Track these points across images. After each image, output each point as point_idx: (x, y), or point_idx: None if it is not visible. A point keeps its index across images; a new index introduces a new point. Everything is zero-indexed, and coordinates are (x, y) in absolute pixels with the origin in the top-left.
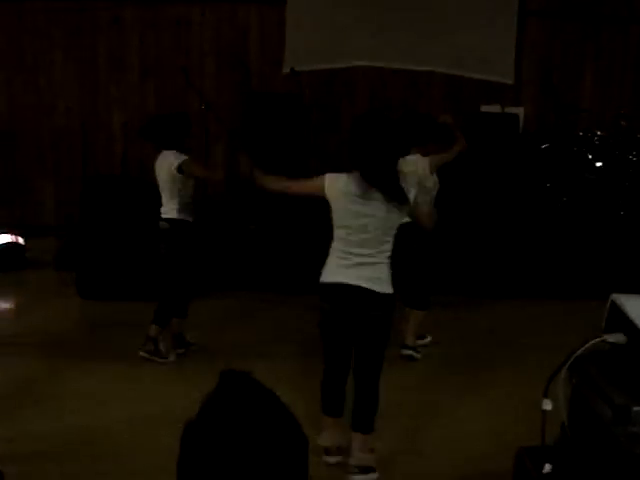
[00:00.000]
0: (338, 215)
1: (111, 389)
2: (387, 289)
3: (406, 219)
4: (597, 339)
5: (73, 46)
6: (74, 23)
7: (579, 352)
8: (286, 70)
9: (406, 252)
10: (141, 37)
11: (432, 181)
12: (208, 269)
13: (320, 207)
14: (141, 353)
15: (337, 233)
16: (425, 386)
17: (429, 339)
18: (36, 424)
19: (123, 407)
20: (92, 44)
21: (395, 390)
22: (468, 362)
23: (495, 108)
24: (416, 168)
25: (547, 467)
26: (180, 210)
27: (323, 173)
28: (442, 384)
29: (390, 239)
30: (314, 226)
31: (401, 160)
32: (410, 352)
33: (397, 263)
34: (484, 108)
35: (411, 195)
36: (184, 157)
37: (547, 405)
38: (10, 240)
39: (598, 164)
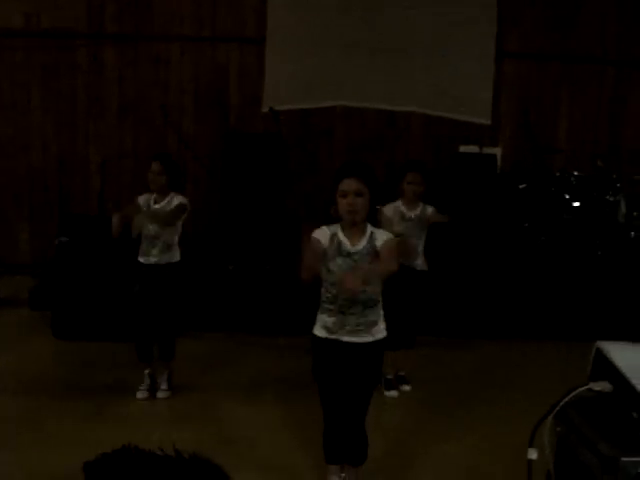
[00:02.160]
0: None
1: (85, 430)
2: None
3: None
4: (582, 387)
5: (51, 83)
6: (52, 60)
7: (564, 401)
8: (265, 109)
9: (395, 293)
10: (120, 75)
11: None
12: (187, 309)
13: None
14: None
15: None
16: (405, 427)
17: (409, 388)
18: (8, 465)
19: (96, 450)
20: (70, 82)
21: (375, 430)
22: (451, 403)
23: (473, 148)
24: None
25: None
26: (177, 250)
27: (300, 212)
28: (423, 425)
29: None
30: (292, 267)
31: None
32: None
33: (387, 303)
34: (462, 148)
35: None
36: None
37: (532, 454)
38: None
39: (575, 204)
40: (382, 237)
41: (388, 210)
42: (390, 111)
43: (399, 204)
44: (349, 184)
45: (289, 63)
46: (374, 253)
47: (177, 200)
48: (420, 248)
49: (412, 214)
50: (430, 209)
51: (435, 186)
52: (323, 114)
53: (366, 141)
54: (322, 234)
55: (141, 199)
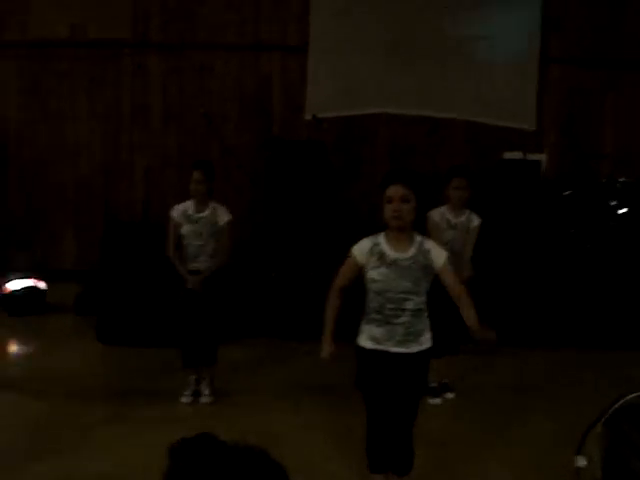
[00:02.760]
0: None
1: (130, 434)
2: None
3: None
4: (633, 394)
5: (97, 92)
6: (98, 70)
7: (615, 407)
8: (308, 117)
9: (440, 300)
10: (164, 83)
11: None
12: (230, 316)
13: (341, 255)
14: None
15: None
16: (449, 435)
17: (452, 396)
18: (54, 469)
19: (141, 453)
20: (116, 90)
21: (418, 438)
22: (495, 411)
23: (517, 155)
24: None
25: None
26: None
27: (345, 219)
28: (467, 434)
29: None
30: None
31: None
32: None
33: (432, 310)
34: (507, 155)
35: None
36: None
37: (581, 462)
38: (31, 284)
39: (622, 211)
40: (439, 254)
41: (435, 215)
42: (433, 118)
43: (444, 210)
44: (395, 190)
45: (331, 70)
46: (427, 267)
47: (224, 214)
48: (467, 255)
49: (458, 220)
50: (476, 223)
51: (479, 193)
52: (366, 121)
53: (409, 148)
54: (360, 249)
55: (176, 211)
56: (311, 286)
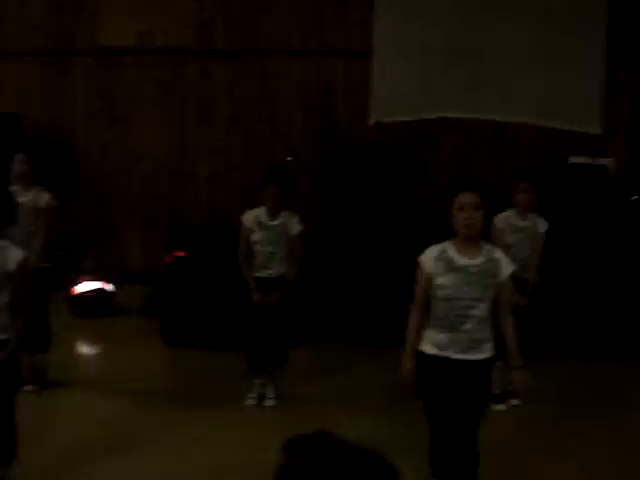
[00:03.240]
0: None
1: (194, 435)
2: None
3: None
4: None
5: (162, 98)
6: (164, 76)
7: None
8: (372, 122)
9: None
10: (228, 89)
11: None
12: (297, 320)
13: (408, 260)
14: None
15: None
16: (514, 441)
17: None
18: (125, 470)
19: (206, 454)
20: (181, 96)
21: (482, 444)
22: (560, 418)
23: (584, 159)
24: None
25: None
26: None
27: (410, 223)
28: (533, 441)
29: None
30: (399, 278)
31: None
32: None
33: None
34: (572, 159)
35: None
36: None
37: None
38: (99, 287)
39: None
40: (506, 266)
41: (498, 221)
42: (498, 122)
43: (510, 214)
44: (468, 198)
45: (395, 75)
46: (495, 275)
47: (296, 224)
48: (533, 261)
49: (523, 225)
50: (543, 228)
51: (545, 198)
52: (430, 125)
53: (473, 152)
54: (427, 257)
55: (249, 218)
56: (374, 290)
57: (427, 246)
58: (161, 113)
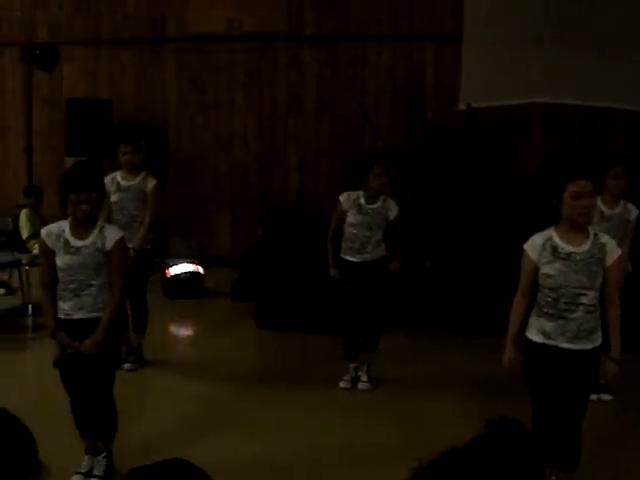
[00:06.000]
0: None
1: (288, 417)
2: None
3: None
4: None
5: (253, 84)
6: (254, 62)
7: None
8: (462, 107)
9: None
10: (318, 75)
11: None
12: (396, 305)
13: (499, 248)
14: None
15: None
16: (610, 433)
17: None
18: (216, 448)
19: (301, 436)
20: (271, 82)
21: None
22: None
23: None
24: None
25: None
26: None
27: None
28: (629, 434)
29: None
30: (491, 266)
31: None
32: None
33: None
34: None
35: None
36: None
37: None
38: (192, 269)
39: None
40: (614, 249)
41: None
42: (589, 107)
43: (598, 201)
44: (584, 186)
45: (486, 60)
46: (602, 260)
47: (394, 208)
48: (624, 250)
49: (613, 212)
50: (634, 214)
51: (636, 184)
52: (520, 110)
53: (564, 138)
54: (532, 245)
55: (347, 199)
56: (466, 277)
57: (518, 232)
58: (251, 99)
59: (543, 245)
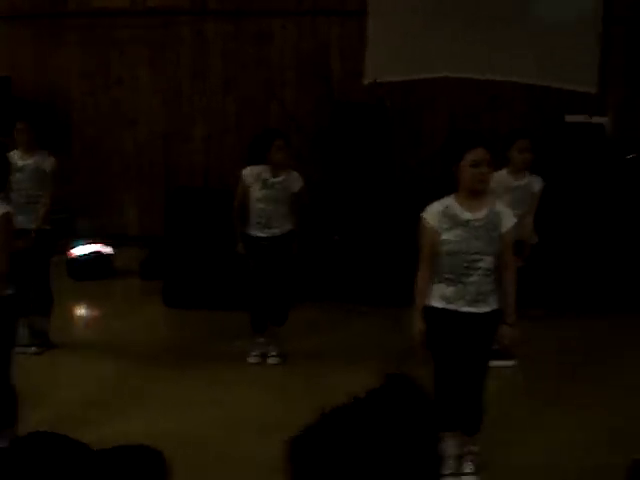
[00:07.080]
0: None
1: (197, 394)
2: None
3: None
4: None
5: (156, 60)
6: (157, 38)
7: None
8: (368, 81)
9: None
10: (223, 50)
11: None
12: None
13: (405, 220)
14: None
15: None
16: (512, 398)
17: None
18: (129, 428)
19: (217, 412)
20: (175, 58)
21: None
22: (555, 377)
23: (580, 118)
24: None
25: None
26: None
27: (404, 183)
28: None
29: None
30: (398, 238)
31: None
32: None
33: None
34: (569, 118)
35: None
36: None
37: None
38: (97, 249)
39: None
40: (509, 219)
41: (493, 179)
42: (494, 81)
43: (504, 173)
44: (480, 154)
45: (391, 34)
46: (498, 228)
47: (297, 181)
48: (528, 220)
49: (518, 184)
50: (538, 186)
51: (540, 157)
52: (426, 85)
53: (469, 112)
54: (431, 213)
55: (250, 173)
56: (372, 249)
57: (422, 205)
58: (155, 75)
59: (443, 212)
